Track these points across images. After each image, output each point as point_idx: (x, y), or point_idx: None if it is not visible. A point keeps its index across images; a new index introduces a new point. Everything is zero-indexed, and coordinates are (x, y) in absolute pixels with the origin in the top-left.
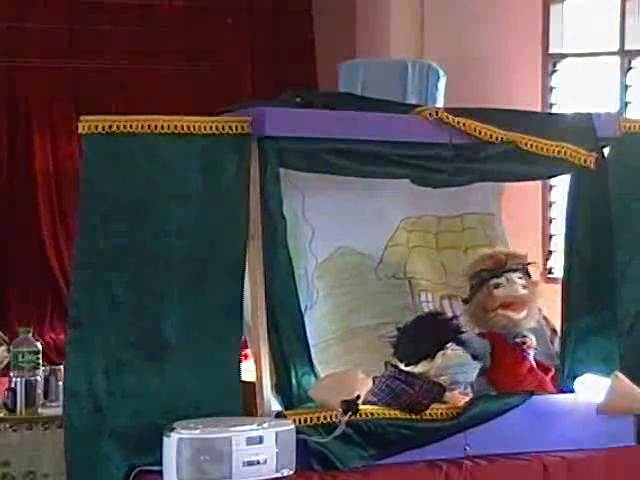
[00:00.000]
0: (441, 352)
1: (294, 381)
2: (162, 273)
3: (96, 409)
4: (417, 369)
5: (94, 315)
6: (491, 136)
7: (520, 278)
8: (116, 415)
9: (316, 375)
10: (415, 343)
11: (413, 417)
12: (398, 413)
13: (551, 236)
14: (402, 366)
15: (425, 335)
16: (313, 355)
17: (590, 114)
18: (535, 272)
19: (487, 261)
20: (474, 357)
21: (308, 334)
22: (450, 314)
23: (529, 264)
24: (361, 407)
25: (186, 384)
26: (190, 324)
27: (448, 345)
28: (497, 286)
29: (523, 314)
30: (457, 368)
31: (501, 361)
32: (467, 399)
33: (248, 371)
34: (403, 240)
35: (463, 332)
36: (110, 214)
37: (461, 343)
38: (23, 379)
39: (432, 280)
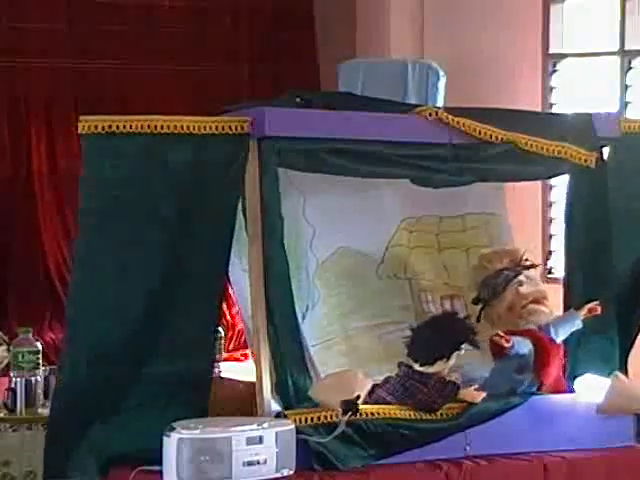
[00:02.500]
0: (456, 352)
1: (290, 382)
2: (162, 275)
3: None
4: (432, 369)
5: (90, 314)
6: (491, 136)
7: (534, 274)
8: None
9: (310, 377)
10: (431, 343)
11: (413, 417)
12: (399, 413)
13: (551, 236)
14: (417, 366)
15: (441, 335)
16: (313, 355)
17: (590, 114)
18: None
19: (496, 261)
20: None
21: (309, 334)
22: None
23: (527, 260)
24: (367, 407)
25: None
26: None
27: (463, 345)
28: (521, 284)
29: (549, 308)
30: (467, 366)
31: (545, 355)
32: (484, 395)
33: (248, 371)
34: (404, 240)
35: (477, 332)
36: (109, 214)
37: (474, 344)
38: (23, 379)
39: (433, 280)
